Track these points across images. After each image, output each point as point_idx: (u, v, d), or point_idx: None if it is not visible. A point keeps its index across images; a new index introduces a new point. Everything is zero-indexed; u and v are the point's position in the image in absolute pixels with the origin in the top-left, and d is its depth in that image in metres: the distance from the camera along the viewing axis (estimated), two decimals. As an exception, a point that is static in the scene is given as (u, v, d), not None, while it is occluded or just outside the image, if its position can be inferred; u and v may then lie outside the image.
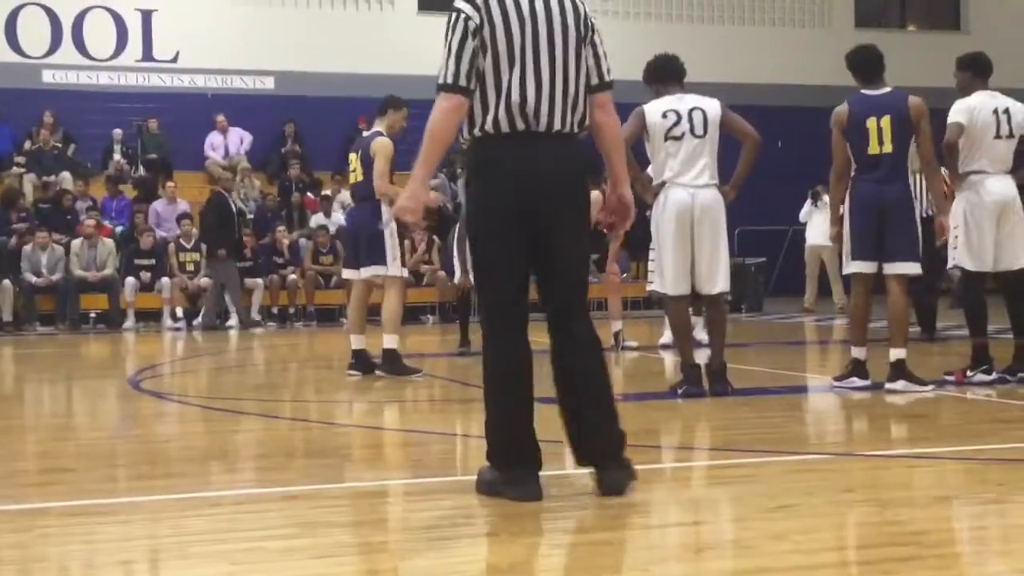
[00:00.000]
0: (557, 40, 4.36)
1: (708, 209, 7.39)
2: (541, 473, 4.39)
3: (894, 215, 7.59)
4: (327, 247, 17.11)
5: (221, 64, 19.67)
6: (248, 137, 19.52)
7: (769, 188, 18.95)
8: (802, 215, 17.50)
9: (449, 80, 4.33)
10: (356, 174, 8.97)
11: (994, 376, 7.92)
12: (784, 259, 19.08)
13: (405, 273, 9.09)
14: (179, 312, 16.32)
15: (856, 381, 7.78)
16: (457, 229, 11.04)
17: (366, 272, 8.86)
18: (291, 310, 16.75)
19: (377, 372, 8.90)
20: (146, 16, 19.54)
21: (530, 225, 4.36)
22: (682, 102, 7.47)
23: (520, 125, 4.34)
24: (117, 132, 19.02)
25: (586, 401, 4.43)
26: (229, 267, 16.16)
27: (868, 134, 7.74)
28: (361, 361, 8.97)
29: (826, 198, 16.89)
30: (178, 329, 15.92)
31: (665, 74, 7.58)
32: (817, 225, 17.23)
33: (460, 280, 10.95)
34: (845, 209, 7.79)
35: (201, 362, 11.80)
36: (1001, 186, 7.96)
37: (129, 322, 16.09)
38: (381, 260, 8.72)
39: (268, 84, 20.01)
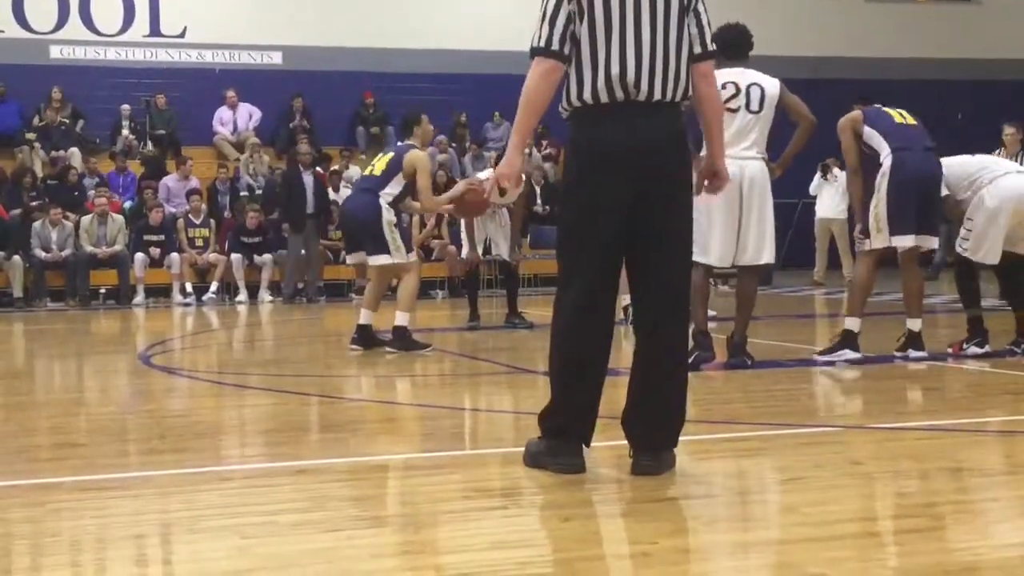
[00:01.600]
0: (659, 7, 4.19)
1: (756, 180, 7.47)
2: (592, 446, 4.34)
3: (931, 189, 7.68)
4: (337, 223, 17.10)
5: (229, 39, 19.62)
6: (257, 113, 19.51)
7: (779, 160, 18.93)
8: (812, 188, 17.45)
9: (542, 44, 4.20)
10: (374, 169, 8.99)
11: (986, 349, 7.94)
12: (794, 232, 19.03)
13: (413, 257, 9.11)
14: (188, 287, 16.34)
15: (848, 354, 7.76)
16: None
17: (375, 261, 8.93)
18: (300, 285, 16.75)
19: (387, 348, 8.92)
20: (153, -9, 19.50)
21: (629, 204, 4.18)
22: (743, 76, 7.55)
23: (620, 95, 4.19)
24: (125, 108, 19.00)
25: (654, 396, 4.27)
26: (309, 238, 16.31)
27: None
28: (364, 336, 9.00)
29: (836, 171, 16.97)
30: (188, 304, 15.95)
31: (733, 47, 7.53)
32: (827, 198, 17.20)
33: (469, 255, 10.94)
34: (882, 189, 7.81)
35: (211, 337, 11.83)
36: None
37: (139, 298, 16.12)
38: (385, 250, 8.79)
39: (276, 59, 19.97)
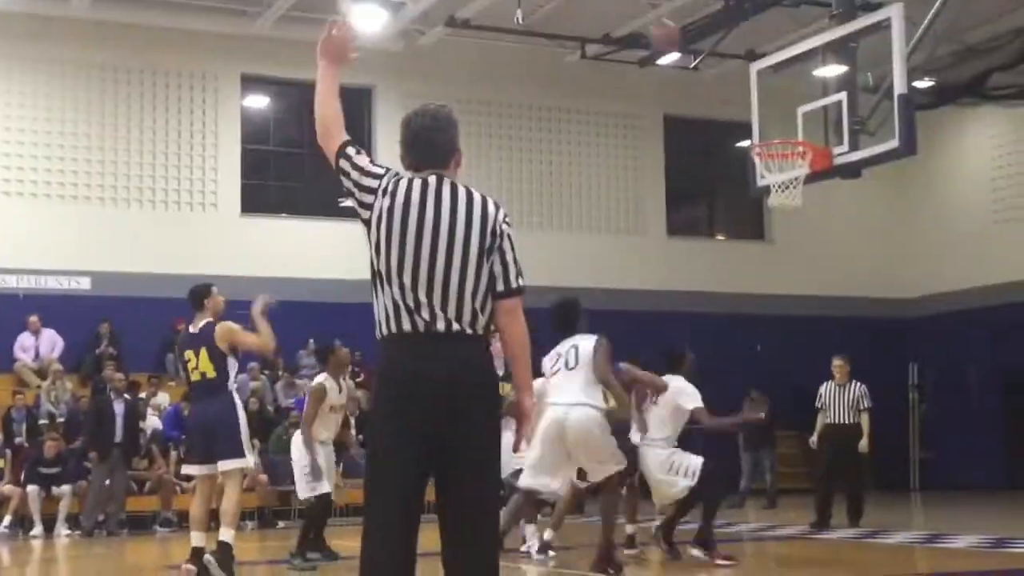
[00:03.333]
0: (456, 249, 4.15)
1: (580, 423, 8.49)
2: None
3: None
4: (143, 451, 16.58)
5: (34, 264, 19.21)
6: (60, 342, 18.95)
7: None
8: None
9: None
10: (202, 370, 8.76)
11: None
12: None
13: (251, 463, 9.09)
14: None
15: None
16: (295, 437, 10.56)
17: (225, 465, 8.71)
18: (100, 517, 16.01)
19: (207, 558, 8.58)
20: (-43, 216, 19.07)
21: (426, 434, 4.07)
22: (565, 344, 8.82)
23: (420, 326, 4.11)
24: (-80, 333, 18.27)
25: None
26: (115, 467, 15.63)
27: None
28: (198, 558, 8.66)
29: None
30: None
31: (563, 322, 9.00)
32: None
33: (303, 495, 10.54)
34: None
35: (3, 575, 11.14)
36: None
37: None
38: (240, 453, 8.66)
39: (84, 284, 19.60)
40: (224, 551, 8.62)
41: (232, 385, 8.82)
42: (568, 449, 8.54)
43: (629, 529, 10.70)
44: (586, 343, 8.71)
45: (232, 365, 8.77)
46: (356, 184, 4.27)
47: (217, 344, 8.68)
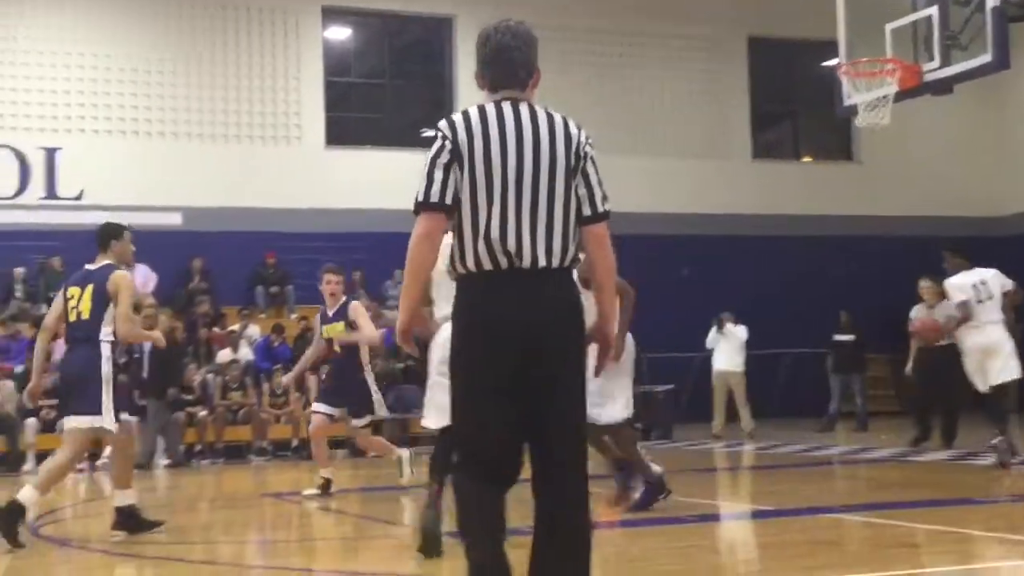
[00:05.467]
0: (543, 166, 4.00)
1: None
2: None
3: None
4: (237, 382, 16.94)
5: (127, 200, 19.55)
6: (154, 277, 19.31)
7: (675, 315, 19.27)
8: (708, 342, 17.71)
9: (420, 198, 3.98)
10: (80, 310, 7.80)
11: None
12: (692, 385, 19.27)
13: (112, 425, 7.74)
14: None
15: None
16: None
17: (70, 422, 7.71)
18: (197, 447, 16.43)
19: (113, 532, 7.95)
20: (50, 154, 19.44)
21: (516, 377, 3.96)
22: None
23: (503, 263, 3.97)
24: (19, 271, 18.75)
25: (558, 553, 3.99)
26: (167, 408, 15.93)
27: None
28: (124, 515, 7.95)
29: (730, 325, 17.32)
30: (80, 471, 15.50)
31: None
32: (723, 351, 17.47)
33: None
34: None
35: (105, 505, 11.49)
36: None
37: (29, 464, 15.63)
38: (93, 410, 7.62)
39: (175, 220, 19.93)
40: (13, 512, 7.52)
41: (105, 337, 7.80)
42: None
43: None
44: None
45: (108, 319, 7.76)
46: (445, 165, 4.01)
47: (106, 288, 7.74)
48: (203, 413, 16.49)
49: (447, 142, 4.00)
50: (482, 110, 4.07)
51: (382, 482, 10.97)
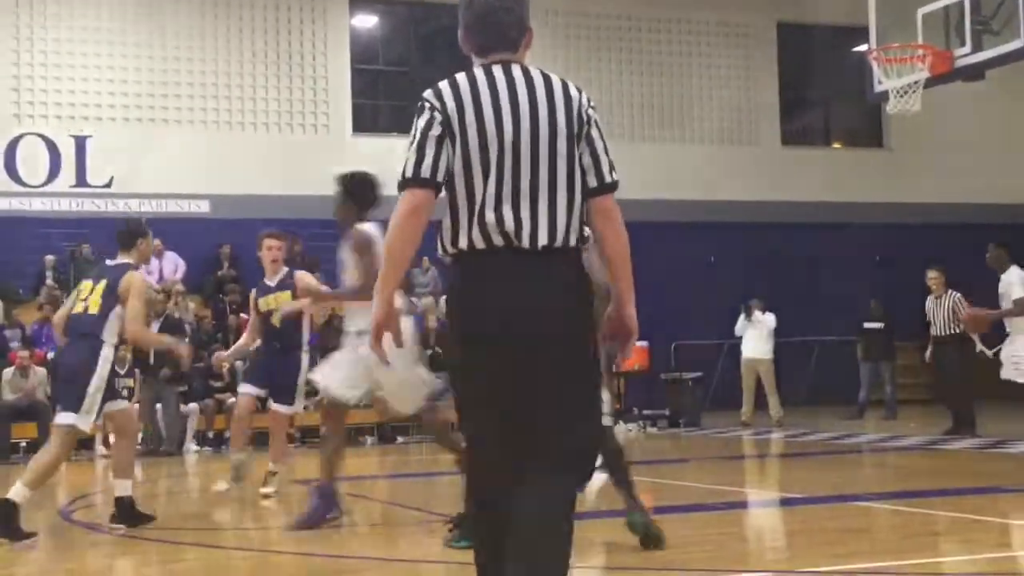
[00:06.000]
0: (543, 141, 3.59)
1: None
2: None
3: None
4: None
5: (155, 188, 19.68)
6: (182, 264, 19.42)
7: (703, 303, 19.23)
8: (737, 329, 17.65)
9: (409, 173, 3.61)
10: (89, 305, 7.66)
11: None
12: (721, 373, 19.23)
13: (87, 427, 7.70)
14: (112, 439, 15.99)
15: None
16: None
17: (60, 418, 7.58)
18: (227, 434, 16.50)
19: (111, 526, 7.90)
20: (80, 142, 19.56)
21: (517, 366, 3.54)
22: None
23: (499, 241, 3.57)
24: (49, 258, 18.88)
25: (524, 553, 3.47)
26: (169, 388, 16.02)
27: None
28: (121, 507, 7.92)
29: (758, 312, 17.26)
30: (110, 456, 15.59)
31: None
32: (752, 339, 17.40)
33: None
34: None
35: (135, 490, 11.56)
36: None
37: (60, 450, 15.72)
38: (75, 407, 7.47)
39: (203, 207, 20.04)
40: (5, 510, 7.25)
41: (109, 337, 7.70)
42: None
43: None
44: None
45: (114, 319, 7.66)
46: (437, 138, 3.65)
47: (119, 288, 7.64)
48: (232, 400, 16.54)
49: (436, 113, 3.66)
50: (471, 76, 3.72)
51: (411, 468, 10.99)
